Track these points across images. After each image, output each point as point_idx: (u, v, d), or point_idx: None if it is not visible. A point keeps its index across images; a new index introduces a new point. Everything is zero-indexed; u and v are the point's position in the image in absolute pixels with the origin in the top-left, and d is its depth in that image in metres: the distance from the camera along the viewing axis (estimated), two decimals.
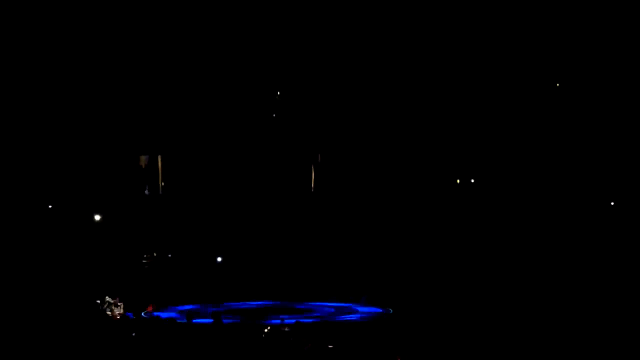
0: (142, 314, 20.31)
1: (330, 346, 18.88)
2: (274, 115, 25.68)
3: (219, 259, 23.65)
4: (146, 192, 25.01)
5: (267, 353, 18.31)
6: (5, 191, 23.13)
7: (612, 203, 24.69)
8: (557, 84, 25.41)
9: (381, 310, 20.98)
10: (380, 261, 23.51)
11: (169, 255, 23.76)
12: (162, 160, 25.34)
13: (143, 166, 25.22)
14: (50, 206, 23.67)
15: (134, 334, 18.32)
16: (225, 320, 18.19)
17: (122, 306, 20.36)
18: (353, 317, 20.68)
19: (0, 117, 23.56)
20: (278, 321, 19.00)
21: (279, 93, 25.70)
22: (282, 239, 24.13)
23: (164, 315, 20.23)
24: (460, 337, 18.43)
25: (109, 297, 20.43)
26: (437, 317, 20.12)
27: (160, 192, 25.23)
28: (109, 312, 20.27)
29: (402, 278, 22.68)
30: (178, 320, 18.64)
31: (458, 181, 25.63)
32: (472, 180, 25.65)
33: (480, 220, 24.55)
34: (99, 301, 20.34)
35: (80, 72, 24.10)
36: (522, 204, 24.67)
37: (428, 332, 19.25)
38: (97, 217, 23.85)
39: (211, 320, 17.08)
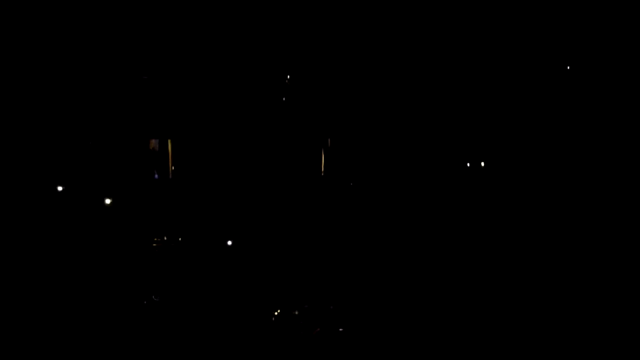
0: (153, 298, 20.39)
1: (340, 329, 18.89)
2: (284, 99, 25.65)
3: (229, 243, 23.67)
4: (156, 176, 25.04)
5: (275, 336, 18.38)
6: (13, 174, 23.19)
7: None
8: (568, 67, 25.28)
9: None
10: (390, 248, 23.49)
11: (179, 239, 23.79)
12: (172, 144, 25.34)
13: (153, 150, 25.24)
14: (59, 188, 23.69)
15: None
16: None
17: None
18: None
19: (8, 100, 23.61)
20: None
21: (288, 77, 25.64)
22: (291, 223, 24.15)
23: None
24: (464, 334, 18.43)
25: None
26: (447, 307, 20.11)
27: (170, 176, 25.25)
28: None
29: (412, 266, 22.67)
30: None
31: (468, 164, 25.53)
32: (482, 164, 25.54)
33: (490, 207, 24.48)
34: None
35: (90, 55, 24.10)
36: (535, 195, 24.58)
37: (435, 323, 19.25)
38: (107, 201, 23.88)
39: None
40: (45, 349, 18.79)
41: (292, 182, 25.03)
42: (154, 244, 23.65)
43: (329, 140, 25.70)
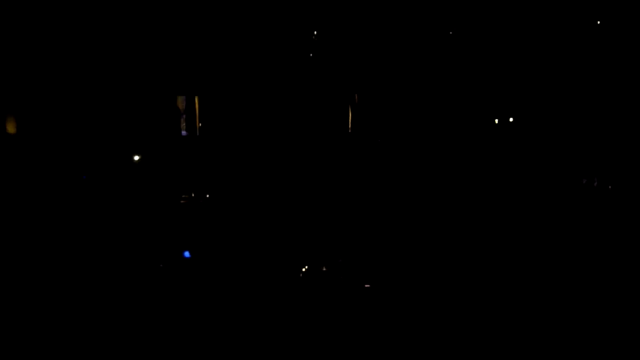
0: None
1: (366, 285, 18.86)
2: (311, 55, 25.53)
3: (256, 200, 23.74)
4: (183, 132, 25.12)
5: (305, 292, 18.44)
6: (45, 130, 23.37)
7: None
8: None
9: None
10: (417, 207, 23.41)
11: (207, 196, 23.89)
12: (199, 101, 25.37)
13: (180, 107, 25.28)
14: (87, 145, 23.86)
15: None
16: None
17: None
18: None
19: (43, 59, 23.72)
20: None
21: (315, 33, 25.50)
22: (319, 181, 24.16)
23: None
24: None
25: None
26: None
27: (198, 133, 25.32)
28: None
29: (440, 225, 22.60)
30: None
31: (496, 121, 25.35)
32: (511, 120, 25.34)
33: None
34: None
35: (117, 15, 24.09)
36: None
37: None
38: (136, 158, 24.01)
39: None
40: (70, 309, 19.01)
41: (319, 138, 25.01)
42: (182, 200, 23.79)
43: (356, 96, 25.62)
